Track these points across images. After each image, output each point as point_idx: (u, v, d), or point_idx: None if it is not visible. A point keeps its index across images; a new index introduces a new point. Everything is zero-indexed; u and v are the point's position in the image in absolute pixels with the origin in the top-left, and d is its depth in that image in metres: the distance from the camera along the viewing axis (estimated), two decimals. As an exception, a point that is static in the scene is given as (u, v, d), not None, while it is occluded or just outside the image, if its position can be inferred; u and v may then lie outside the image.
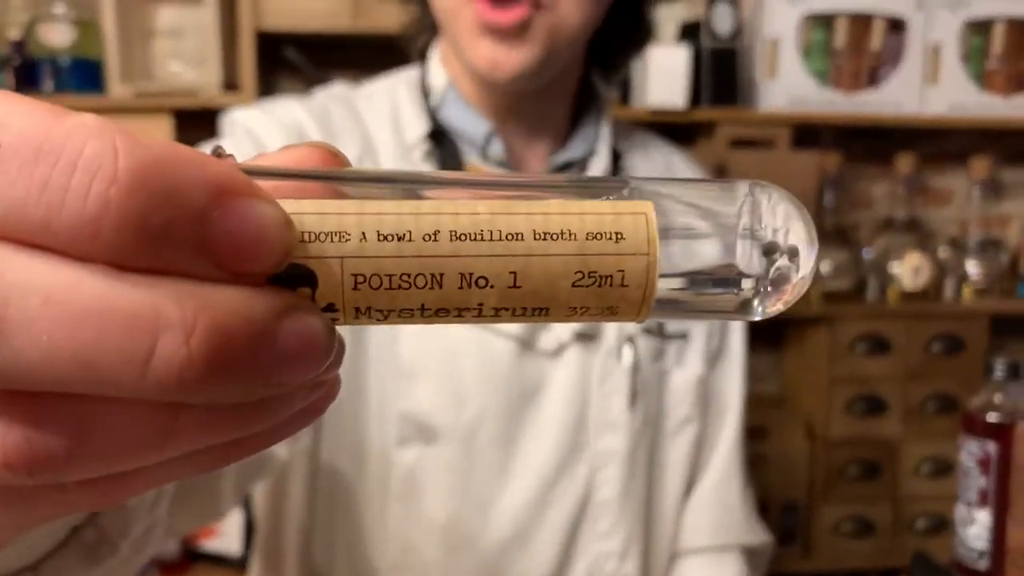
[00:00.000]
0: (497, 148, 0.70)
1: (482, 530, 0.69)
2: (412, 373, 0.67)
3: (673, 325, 0.77)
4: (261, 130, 0.67)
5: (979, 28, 1.72)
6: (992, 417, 0.72)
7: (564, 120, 0.75)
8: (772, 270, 0.19)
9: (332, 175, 0.18)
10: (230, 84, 1.51)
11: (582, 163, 0.74)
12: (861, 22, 1.68)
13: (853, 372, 1.67)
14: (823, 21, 1.67)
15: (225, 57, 1.50)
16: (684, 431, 0.78)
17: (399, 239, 0.17)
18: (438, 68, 0.73)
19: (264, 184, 0.16)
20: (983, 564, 0.74)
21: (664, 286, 0.18)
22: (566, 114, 0.75)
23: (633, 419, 0.73)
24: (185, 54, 1.52)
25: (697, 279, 0.19)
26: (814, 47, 1.67)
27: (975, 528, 0.74)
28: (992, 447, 0.72)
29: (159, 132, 1.47)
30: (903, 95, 1.71)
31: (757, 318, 0.20)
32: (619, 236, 0.17)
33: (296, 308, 0.16)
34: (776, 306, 0.19)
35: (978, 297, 1.74)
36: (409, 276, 0.17)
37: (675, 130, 1.61)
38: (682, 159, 0.84)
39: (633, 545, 0.74)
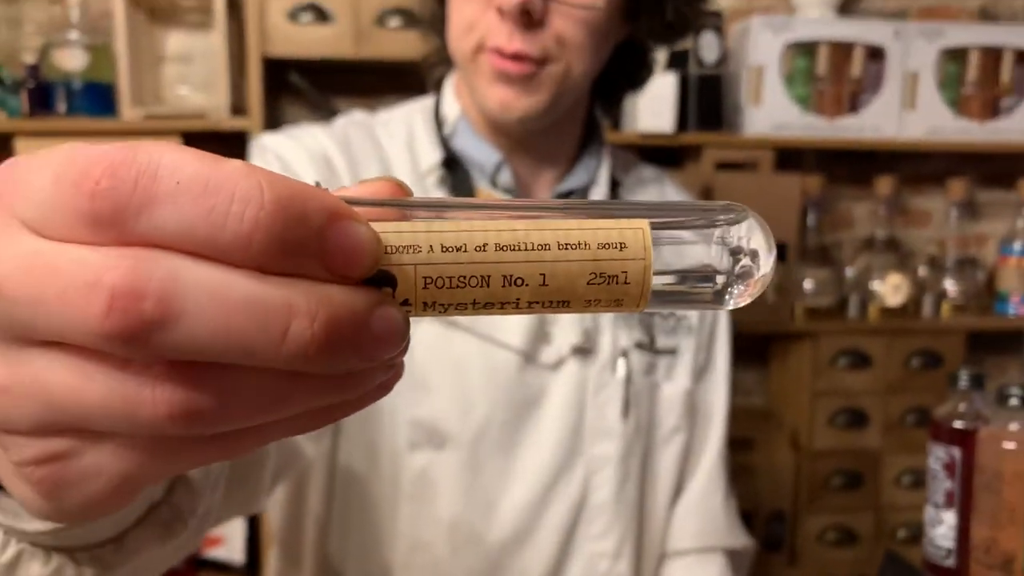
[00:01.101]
0: (506, 176, 0.76)
1: (486, 529, 0.75)
2: (423, 383, 0.73)
3: (663, 341, 0.83)
4: (289, 155, 0.72)
5: (954, 56, 1.79)
6: (957, 424, 0.79)
7: (569, 151, 0.81)
8: (738, 268, 0.25)
9: (403, 203, 0.24)
10: (237, 108, 1.57)
11: (584, 191, 0.80)
12: (842, 50, 1.76)
13: (835, 386, 1.73)
14: (806, 49, 1.75)
15: (233, 82, 1.56)
16: (674, 440, 0.83)
17: (457, 250, 0.23)
18: (452, 99, 0.78)
19: (357, 209, 0.23)
20: (950, 562, 0.80)
21: (658, 282, 0.24)
22: (571, 145, 0.81)
23: (626, 427, 0.78)
24: (194, 79, 1.58)
25: (682, 276, 0.25)
26: (797, 74, 1.75)
27: (942, 528, 0.80)
28: (957, 452, 0.78)
29: (169, 154, 1.52)
30: (882, 120, 1.78)
31: (729, 307, 0.26)
32: (622, 246, 0.24)
33: (383, 302, 0.22)
34: (744, 297, 0.26)
35: (955, 314, 1.81)
36: (464, 278, 0.23)
37: (663, 153, 1.68)
38: (672, 184, 0.90)
39: (626, 546, 0.79)
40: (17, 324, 0.21)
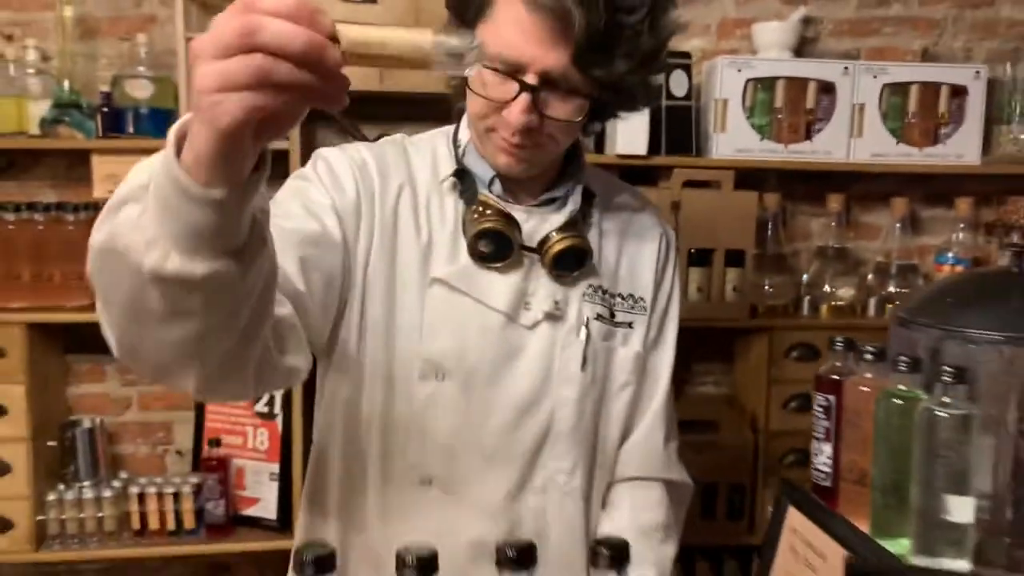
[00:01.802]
0: (497, 187, 1.03)
1: (475, 444, 1.00)
2: (432, 332, 0.99)
3: (621, 317, 1.08)
4: (335, 163, 1.00)
5: (897, 90, 2.07)
6: (833, 377, 1.05)
7: (554, 170, 1.07)
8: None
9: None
10: (278, 131, 1.85)
11: (563, 199, 1.06)
12: (798, 85, 2.03)
13: (789, 375, 1.99)
14: (766, 84, 2.02)
15: (275, 109, 1.84)
16: (624, 391, 1.08)
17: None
18: (464, 128, 1.05)
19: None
20: (828, 482, 1.05)
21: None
22: (555, 168, 1.06)
23: (584, 378, 1.03)
24: (243, 106, 1.87)
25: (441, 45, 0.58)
26: (758, 106, 2.02)
27: (822, 457, 1.06)
28: (832, 398, 1.04)
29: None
30: (833, 146, 2.06)
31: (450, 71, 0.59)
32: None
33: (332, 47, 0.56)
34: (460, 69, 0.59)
35: (896, 314, 2.07)
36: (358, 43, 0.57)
37: (639, 172, 1.95)
38: (636, 195, 1.16)
39: (579, 467, 1.04)
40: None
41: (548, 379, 1.02)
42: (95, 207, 1.88)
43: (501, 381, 1.01)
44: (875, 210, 2.23)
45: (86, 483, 1.91)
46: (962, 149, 2.09)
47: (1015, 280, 1.01)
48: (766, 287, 2.04)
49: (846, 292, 2.07)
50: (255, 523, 1.97)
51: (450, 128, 1.08)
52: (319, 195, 0.96)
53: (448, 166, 1.03)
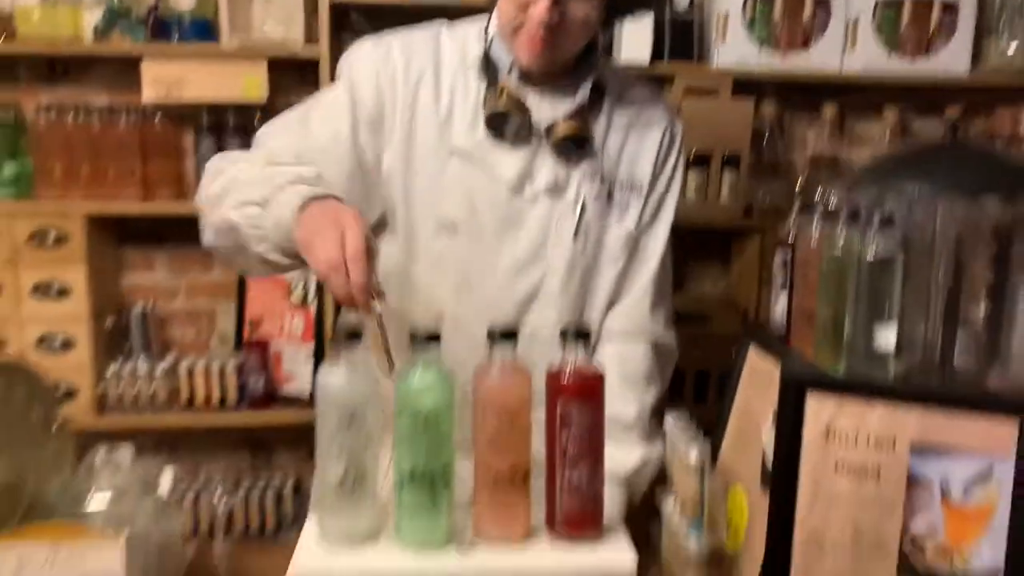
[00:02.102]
0: (515, 75, 1.15)
1: (479, 290, 1.17)
2: (448, 195, 1.16)
3: (618, 197, 1.22)
4: (358, 77, 1.15)
5: (891, 4, 2.18)
6: (789, 238, 1.21)
7: (569, 66, 1.16)
8: None
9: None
10: (310, 39, 2.03)
11: (574, 90, 1.16)
12: (795, -1, 2.15)
13: (779, 271, 2.15)
14: (765, -2, 2.14)
15: (306, 20, 2.02)
16: (613, 265, 1.22)
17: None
18: (495, 20, 1.15)
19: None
20: (782, 327, 1.22)
21: None
22: (572, 62, 1.15)
23: (575, 247, 1.18)
24: (277, 15, 2.04)
25: None
26: (757, 18, 2.15)
27: (779, 305, 1.22)
28: (789, 252, 1.21)
29: (258, 73, 2.00)
30: (828, 57, 2.18)
31: None
32: None
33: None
34: None
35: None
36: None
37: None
38: (653, 91, 1.28)
39: (566, 321, 1.19)
40: None
41: (543, 245, 1.17)
42: (144, 111, 2.07)
43: (504, 242, 1.17)
44: (865, 119, 2.36)
45: (140, 359, 2.14)
46: (952, 61, 2.20)
47: (947, 149, 1.16)
48: (760, 193, 2.19)
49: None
50: (292, 401, 2.19)
51: (483, 20, 1.21)
52: (341, 123, 1.14)
53: (476, 51, 1.17)
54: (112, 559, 0.82)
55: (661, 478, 1.18)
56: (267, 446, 2.38)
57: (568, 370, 0.82)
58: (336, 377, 0.79)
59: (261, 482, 2.30)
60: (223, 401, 2.15)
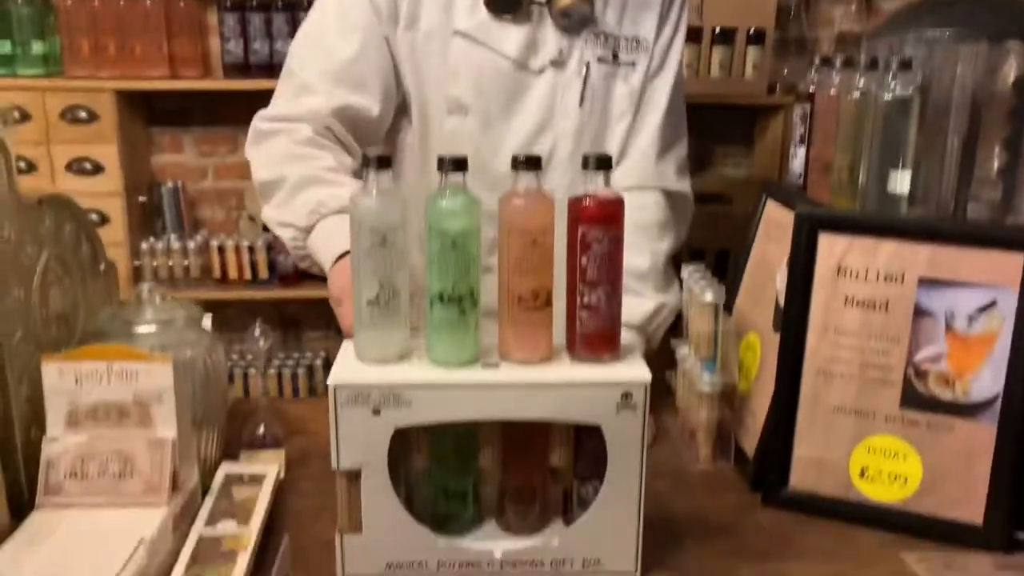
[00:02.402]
0: None
1: (490, 165, 1.18)
2: (455, 74, 1.17)
3: (624, 57, 1.23)
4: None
5: None
6: (811, 88, 1.22)
7: None
8: None
9: None
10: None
11: None
12: None
13: (801, 150, 2.15)
14: None
15: None
16: (621, 122, 1.24)
17: None
18: None
19: None
20: (800, 177, 1.24)
21: None
22: None
23: (582, 113, 1.21)
24: None
25: None
26: None
27: (797, 159, 1.25)
28: (808, 106, 1.22)
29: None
30: (858, -71, 2.14)
31: None
32: None
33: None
34: None
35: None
36: None
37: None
38: None
39: (575, 186, 1.20)
40: None
41: (551, 115, 1.20)
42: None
43: (512, 117, 1.20)
44: (893, -3, 2.32)
45: (172, 237, 2.20)
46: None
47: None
48: (785, 71, 2.18)
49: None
50: (321, 278, 2.23)
51: None
52: (363, 25, 1.15)
53: None
54: (162, 375, 0.88)
55: (678, 331, 1.22)
56: (297, 324, 2.46)
57: (589, 195, 0.85)
58: (368, 200, 0.82)
59: (291, 361, 2.39)
60: (255, 277, 2.21)
